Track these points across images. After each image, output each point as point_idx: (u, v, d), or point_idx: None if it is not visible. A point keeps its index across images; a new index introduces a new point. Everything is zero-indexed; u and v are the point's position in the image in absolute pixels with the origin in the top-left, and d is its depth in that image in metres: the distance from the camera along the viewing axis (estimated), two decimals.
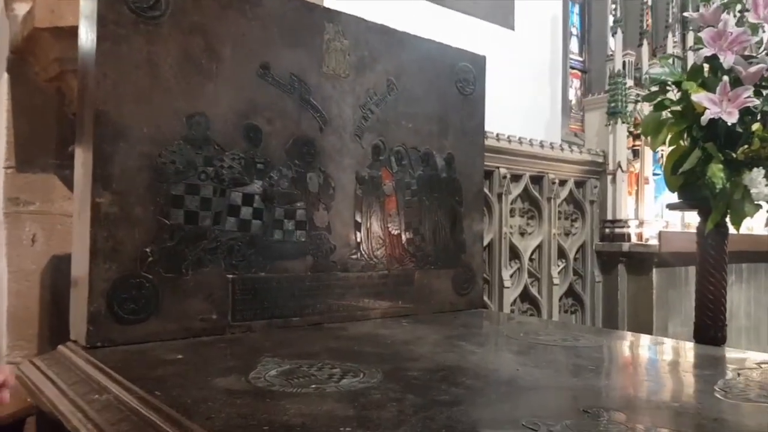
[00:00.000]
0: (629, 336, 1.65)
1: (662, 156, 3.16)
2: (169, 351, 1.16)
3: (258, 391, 0.91)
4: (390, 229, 1.68)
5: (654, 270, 3.30)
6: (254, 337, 1.33)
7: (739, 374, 1.11)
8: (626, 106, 3.34)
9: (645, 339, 1.59)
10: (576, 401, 0.90)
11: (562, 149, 3.20)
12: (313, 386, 0.94)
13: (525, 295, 3.21)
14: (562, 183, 3.27)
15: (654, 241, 3.27)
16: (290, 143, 1.49)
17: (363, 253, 1.62)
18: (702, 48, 1.61)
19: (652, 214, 3.53)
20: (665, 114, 1.71)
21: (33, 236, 1.75)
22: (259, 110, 1.44)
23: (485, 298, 2.97)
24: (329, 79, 1.56)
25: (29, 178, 1.72)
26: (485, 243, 2.95)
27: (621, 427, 0.78)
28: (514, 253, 3.14)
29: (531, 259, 3.25)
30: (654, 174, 3.50)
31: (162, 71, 1.30)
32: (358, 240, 1.61)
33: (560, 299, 3.31)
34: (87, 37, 1.28)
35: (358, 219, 1.61)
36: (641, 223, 3.42)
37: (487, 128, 2.80)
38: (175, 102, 1.31)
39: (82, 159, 1.27)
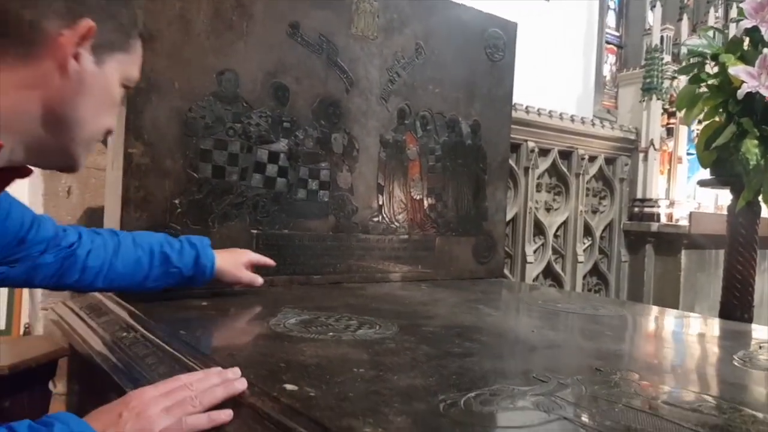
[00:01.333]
0: (653, 309, 1.64)
1: (697, 134, 3.09)
2: (194, 298, 1.20)
3: (277, 335, 0.94)
4: (412, 193, 1.69)
5: (683, 252, 3.24)
6: (276, 290, 1.37)
7: (761, 347, 1.10)
8: (662, 82, 3.25)
9: (669, 312, 1.58)
10: (589, 360, 0.91)
11: (593, 124, 3.15)
12: (330, 334, 0.97)
13: (548, 272, 3.19)
14: (592, 159, 3.22)
15: (684, 222, 3.21)
16: (316, 103, 1.50)
17: (384, 216, 1.64)
18: (743, 20, 1.56)
19: (684, 194, 3.46)
20: (701, 88, 1.67)
21: (68, 189, 1.81)
22: (287, 69, 1.45)
23: (507, 272, 2.96)
24: (357, 40, 1.57)
25: None
26: (509, 217, 2.94)
27: (633, 384, 0.79)
28: (539, 229, 3.12)
29: (556, 236, 3.22)
30: (688, 154, 3.42)
31: (194, 27, 1.32)
32: (380, 203, 1.63)
33: (584, 277, 3.29)
34: None
35: (381, 182, 1.63)
36: (672, 204, 3.35)
37: (516, 100, 2.79)
38: (206, 58, 1.34)
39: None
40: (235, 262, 1.22)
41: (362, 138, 1.59)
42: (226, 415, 0.64)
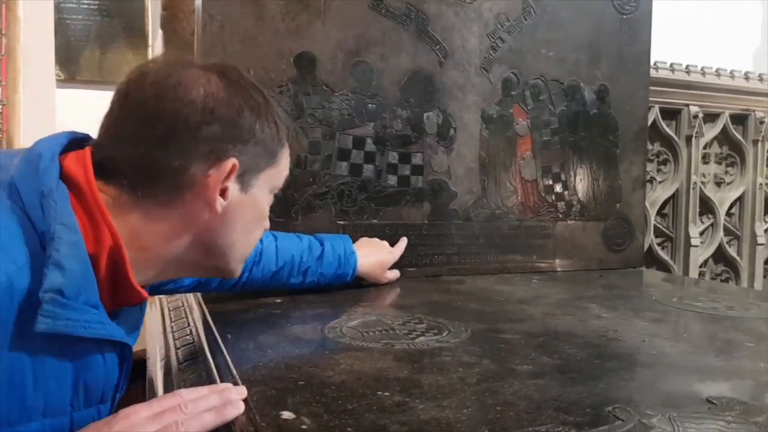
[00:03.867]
0: None
1: None
2: (274, 294, 1.16)
3: (323, 342, 0.86)
4: (523, 174, 1.49)
5: None
6: (362, 285, 1.27)
7: None
8: None
9: None
10: (702, 386, 0.69)
11: None
12: (384, 341, 0.85)
13: (719, 256, 2.73)
14: None
15: None
16: (405, 80, 1.37)
17: (489, 201, 1.46)
18: None
19: None
20: None
21: None
22: (370, 46, 1.34)
23: (667, 257, 2.59)
24: (451, 5, 1.40)
25: None
26: (668, 194, 2.56)
27: (751, 428, 0.57)
28: (707, 207, 2.67)
29: (729, 214, 2.74)
30: None
31: (268, 11, 1.26)
32: (484, 187, 1.46)
33: (766, 262, 2.76)
34: None
35: (484, 163, 1.45)
36: None
37: (671, 59, 2.40)
38: (281, 42, 1.28)
39: None
40: (381, 266, 1.26)
41: (460, 115, 1.43)
42: None
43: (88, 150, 0.66)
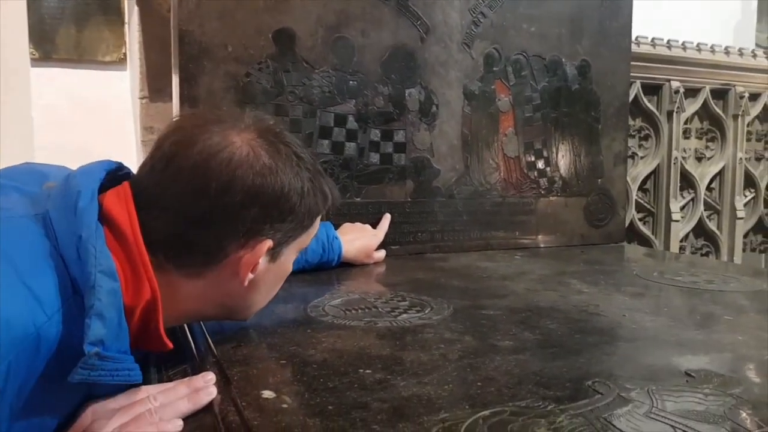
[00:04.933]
0: None
1: None
2: None
3: (305, 321, 0.85)
4: (505, 151, 1.49)
5: None
6: (345, 264, 1.27)
7: None
8: None
9: None
10: (681, 360, 0.70)
11: (754, 56, 2.61)
12: (366, 319, 0.85)
13: (699, 230, 2.76)
14: (754, 97, 2.68)
15: None
16: (386, 56, 1.35)
17: (472, 177, 1.46)
18: None
19: None
20: None
21: None
22: (350, 21, 1.32)
23: (648, 232, 2.62)
24: None
25: (161, 107, 1.82)
26: (649, 170, 2.58)
27: (727, 399, 0.58)
28: (688, 182, 2.70)
29: (710, 189, 2.77)
30: None
31: None
32: (467, 164, 1.45)
33: (746, 236, 2.80)
34: None
35: (466, 140, 1.45)
36: None
37: (652, 34, 2.39)
38: (260, 18, 1.25)
39: (174, 81, 1.28)
40: (365, 250, 1.26)
41: (442, 91, 1.42)
42: (174, 426, 0.56)
43: (128, 188, 0.64)
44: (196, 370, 0.69)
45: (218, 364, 0.68)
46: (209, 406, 0.59)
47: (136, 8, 1.81)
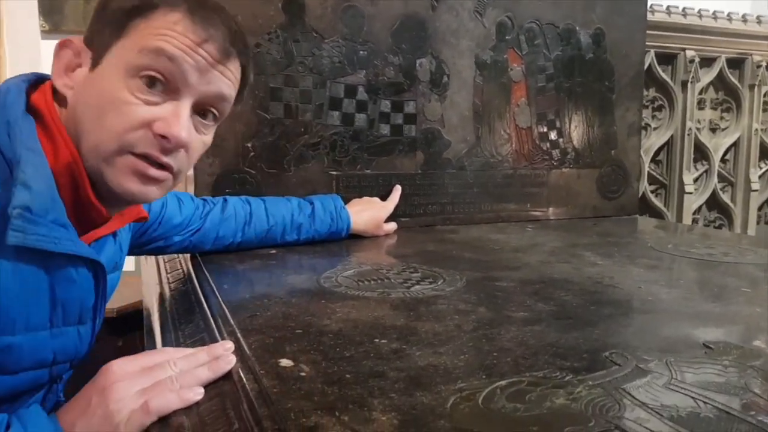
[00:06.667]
0: None
1: None
2: (268, 246, 1.15)
3: (319, 292, 0.85)
4: (517, 121, 1.47)
5: None
6: (355, 236, 1.27)
7: None
8: None
9: None
10: (699, 332, 0.69)
11: None
12: (379, 290, 0.85)
13: (713, 203, 2.74)
14: None
15: None
16: (397, 25, 1.33)
17: (483, 149, 1.44)
18: None
19: None
20: None
21: None
22: None
23: (660, 204, 2.59)
24: None
25: None
26: (663, 141, 2.54)
27: (748, 372, 0.57)
28: (702, 153, 2.66)
29: (724, 160, 2.73)
30: None
31: None
32: (478, 135, 1.43)
33: (760, 208, 2.78)
34: None
35: (478, 111, 1.43)
36: None
37: (665, 1, 2.34)
38: None
39: None
40: (374, 222, 1.26)
41: (453, 61, 1.39)
42: (195, 393, 0.56)
43: (49, 83, 0.69)
44: (213, 339, 0.69)
45: (234, 333, 0.68)
46: (228, 374, 0.59)
47: None
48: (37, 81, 0.70)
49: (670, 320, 0.74)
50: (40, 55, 1.88)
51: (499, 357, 0.61)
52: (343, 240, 1.22)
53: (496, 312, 0.76)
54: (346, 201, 1.25)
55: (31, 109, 0.66)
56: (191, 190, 1.23)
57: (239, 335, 0.67)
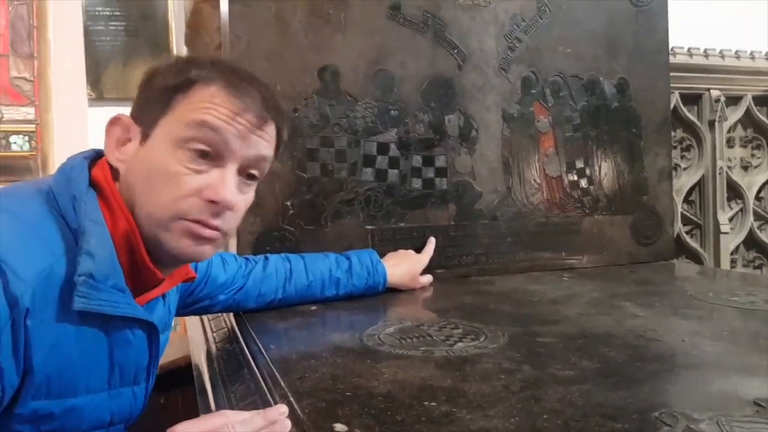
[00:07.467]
0: None
1: None
2: (309, 301, 1.18)
3: (364, 351, 0.87)
4: (547, 171, 1.50)
5: None
6: (392, 289, 1.29)
7: None
8: None
9: None
10: (748, 387, 0.69)
11: None
12: (423, 348, 0.87)
13: (751, 242, 2.69)
14: None
15: None
16: (425, 85, 1.38)
17: (514, 199, 1.47)
18: None
19: None
20: None
21: None
22: (389, 55, 1.35)
23: (696, 245, 2.56)
24: (466, 10, 1.41)
25: None
26: (693, 181, 2.53)
27: None
28: (735, 192, 2.64)
29: (759, 198, 2.70)
30: None
31: (291, 27, 1.28)
32: (508, 185, 1.46)
33: None
34: (223, 1, 1.31)
35: (507, 162, 1.46)
36: None
37: (689, 44, 2.37)
38: (305, 57, 1.29)
39: None
40: (410, 274, 1.28)
41: (480, 116, 1.43)
42: None
43: (105, 160, 0.75)
44: (266, 402, 0.71)
45: (286, 396, 0.70)
46: None
47: (184, 48, 1.88)
48: (96, 156, 0.77)
49: (718, 375, 0.74)
50: (86, 121, 1.98)
51: (550, 419, 0.62)
52: (380, 294, 1.24)
53: (542, 370, 0.77)
54: (382, 254, 1.28)
55: (92, 183, 0.72)
56: (234, 247, 1.28)
57: (291, 398, 0.69)
